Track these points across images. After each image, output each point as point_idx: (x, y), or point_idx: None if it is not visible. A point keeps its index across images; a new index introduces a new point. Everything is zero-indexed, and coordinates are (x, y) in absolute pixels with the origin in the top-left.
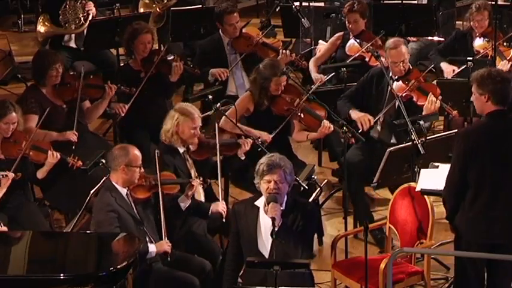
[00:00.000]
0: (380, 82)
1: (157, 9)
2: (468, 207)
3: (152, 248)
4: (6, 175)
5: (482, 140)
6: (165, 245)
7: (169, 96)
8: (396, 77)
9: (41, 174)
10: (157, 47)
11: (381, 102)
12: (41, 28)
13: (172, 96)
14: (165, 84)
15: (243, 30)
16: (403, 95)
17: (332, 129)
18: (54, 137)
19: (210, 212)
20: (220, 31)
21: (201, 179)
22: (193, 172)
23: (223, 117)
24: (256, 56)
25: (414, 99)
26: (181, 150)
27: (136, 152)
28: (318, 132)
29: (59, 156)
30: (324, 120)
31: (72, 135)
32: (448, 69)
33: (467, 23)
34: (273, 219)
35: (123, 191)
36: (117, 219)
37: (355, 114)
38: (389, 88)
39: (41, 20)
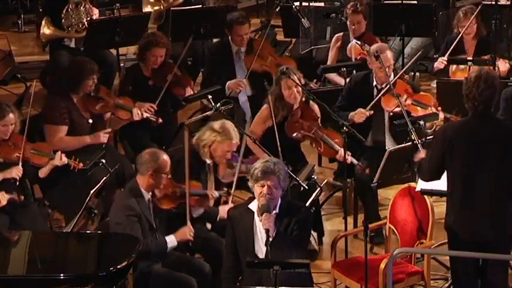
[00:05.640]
0: (364, 89)
1: (162, 7)
2: (449, 204)
3: (171, 238)
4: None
5: (458, 137)
6: (187, 231)
7: (177, 110)
8: (380, 87)
9: (43, 173)
10: None
11: (369, 104)
12: (46, 30)
13: (179, 110)
14: (174, 100)
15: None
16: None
17: (348, 161)
18: (88, 141)
19: (218, 218)
20: (229, 38)
21: (225, 189)
22: (209, 183)
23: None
24: None
25: (412, 114)
26: (208, 161)
27: (166, 158)
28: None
29: (65, 159)
30: (340, 150)
31: (105, 138)
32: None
33: (456, 29)
34: (267, 230)
35: (146, 196)
36: (137, 223)
37: (352, 116)
38: (375, 92)
39: (45, 23)
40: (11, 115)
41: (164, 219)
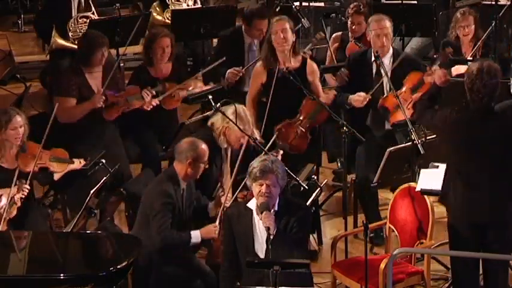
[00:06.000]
0: (363, 63)
1: (165, 20)
2: (452, 191)
3: (196, 234)
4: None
5: (459, 133)
6: (213, 229)
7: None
8: (377, 54)
9: (57, 176)
10: None
11: (369, 81)
12: (58, 40)
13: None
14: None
15: None
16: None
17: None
18: (89, 107)
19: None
20: (243, 28)
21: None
22: (225, 169)
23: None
24: None
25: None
26: (224, 145)
27: (204, 147)
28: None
29: (83, 161)
30: (320, 103)
31: (100, 101)
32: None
33: (453, 32)
34: (268, 228)
35: (182, 185)
36: (170, 212)
37: (351, 100)
38: (374, 68)
39: (55, 33)
40: (18, 117)
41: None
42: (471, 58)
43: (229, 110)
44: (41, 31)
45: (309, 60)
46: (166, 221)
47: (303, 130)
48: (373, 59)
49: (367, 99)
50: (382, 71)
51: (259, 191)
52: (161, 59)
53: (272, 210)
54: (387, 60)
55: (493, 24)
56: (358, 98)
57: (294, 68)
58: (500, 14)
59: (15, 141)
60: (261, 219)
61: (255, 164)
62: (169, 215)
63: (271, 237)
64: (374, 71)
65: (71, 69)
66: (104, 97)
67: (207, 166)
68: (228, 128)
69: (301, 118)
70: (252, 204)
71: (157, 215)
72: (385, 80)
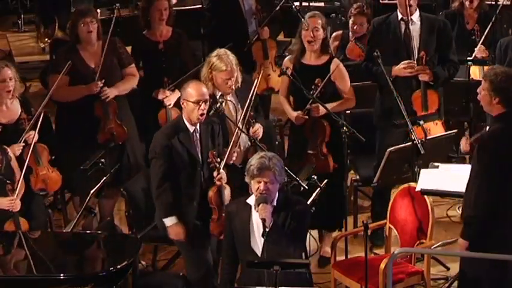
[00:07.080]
0: (389, 27)
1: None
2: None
3: (170, 219)
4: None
5: (502, 146)
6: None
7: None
8: (407, 19)
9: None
10: None
11: (399, 44)
12: (60, 33)
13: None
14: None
15: None
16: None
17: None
18: (84, 92)
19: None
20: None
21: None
22: (234, 114)
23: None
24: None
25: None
26: (217, 93)
27: (193, 86)
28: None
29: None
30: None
31: (97, 88)
32: None
33: (456, 2)
34: (264, 220)
35: (191, 128)
36: (168, 154)
37: (394, 71)
38: (403, 29)
39: (57, 28)
40: (7, 69)
41: None
42: (470, 59)
43: (213, 55)
44: (42, 18)
45: (335, 60)
46: (162, 165)
47: (314, 153)
48: (400, 17)
49: (412, 64)
50: (411, 27)
51: (258, 188)
52: (159, 22)
53: (270, 205)
54: (416, 20)
55: (492, 20)
56: (403, 67)
57: (316, 65)
58: (497, 11)
59: (5, 95)
60: (257, 211)
61: (253, 161)
62: (165, 158)
63: (267, 229)
64: (402, 30)
65: (65, 49)
66: (100, 83)
67: (203, 105)
68: (212, 72)
69: (310, 145)
70: (252, 200)
71: (154, 158)
72: (415, 44)
